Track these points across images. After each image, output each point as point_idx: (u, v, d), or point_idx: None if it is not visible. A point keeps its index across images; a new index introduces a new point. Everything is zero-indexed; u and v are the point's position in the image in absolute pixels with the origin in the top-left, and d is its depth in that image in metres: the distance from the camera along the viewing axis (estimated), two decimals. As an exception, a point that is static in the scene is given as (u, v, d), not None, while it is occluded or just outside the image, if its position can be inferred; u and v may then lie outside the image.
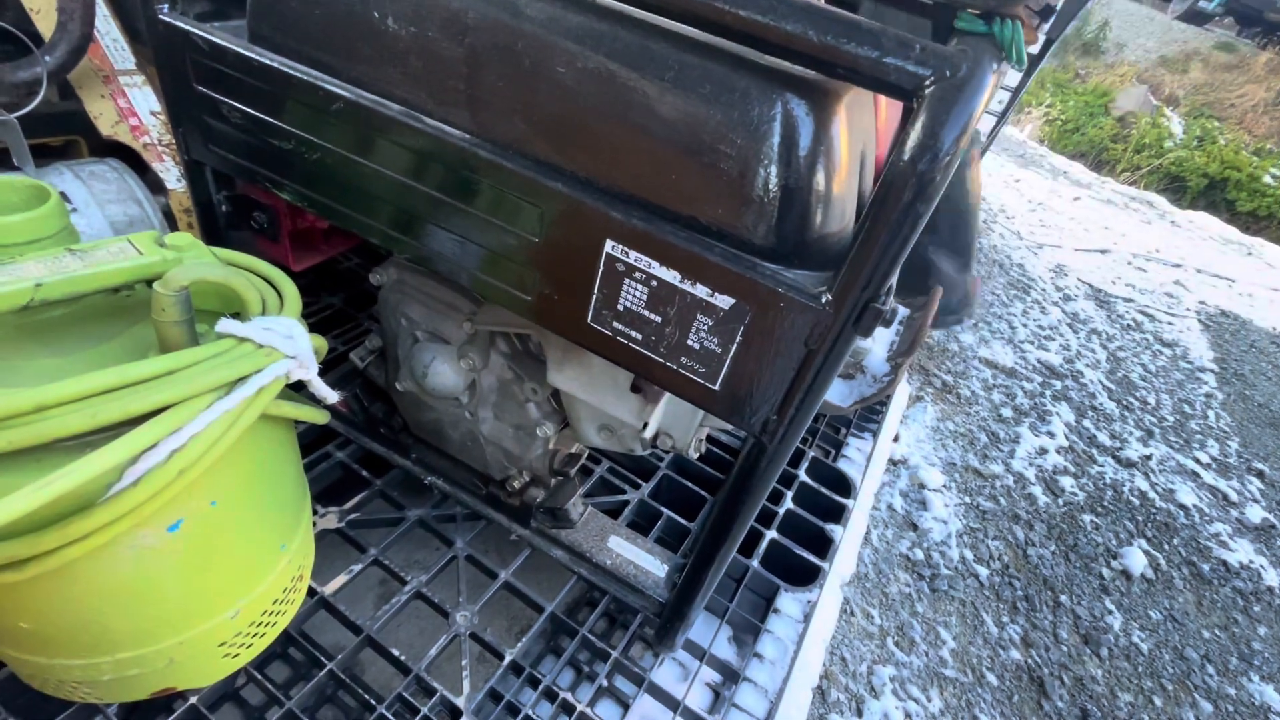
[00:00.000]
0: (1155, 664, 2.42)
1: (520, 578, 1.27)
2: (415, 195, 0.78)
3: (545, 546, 1.26)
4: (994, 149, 8.18)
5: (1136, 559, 2.80)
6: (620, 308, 0.73)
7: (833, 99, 0.64)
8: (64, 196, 1.17)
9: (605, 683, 1.16)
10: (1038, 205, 6.66)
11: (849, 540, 1.64)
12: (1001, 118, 5.34)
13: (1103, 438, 3.51)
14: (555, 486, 1.29)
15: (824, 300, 0.61)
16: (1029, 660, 2.31)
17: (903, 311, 2.43)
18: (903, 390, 2.39)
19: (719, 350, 0.69)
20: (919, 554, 2.60)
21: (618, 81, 0.66)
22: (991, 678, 2.21)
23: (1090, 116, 9.50)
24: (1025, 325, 4.34)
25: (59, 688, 0.86)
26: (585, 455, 1.31)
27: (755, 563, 1.40)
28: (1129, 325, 4.76)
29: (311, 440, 1.38)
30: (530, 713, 1.07)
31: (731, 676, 1.21)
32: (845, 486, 1.66)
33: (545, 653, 1.25)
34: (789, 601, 1.35)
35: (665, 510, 1.45)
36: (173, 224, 1.31)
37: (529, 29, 0.67)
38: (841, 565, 1.62)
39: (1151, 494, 3.23)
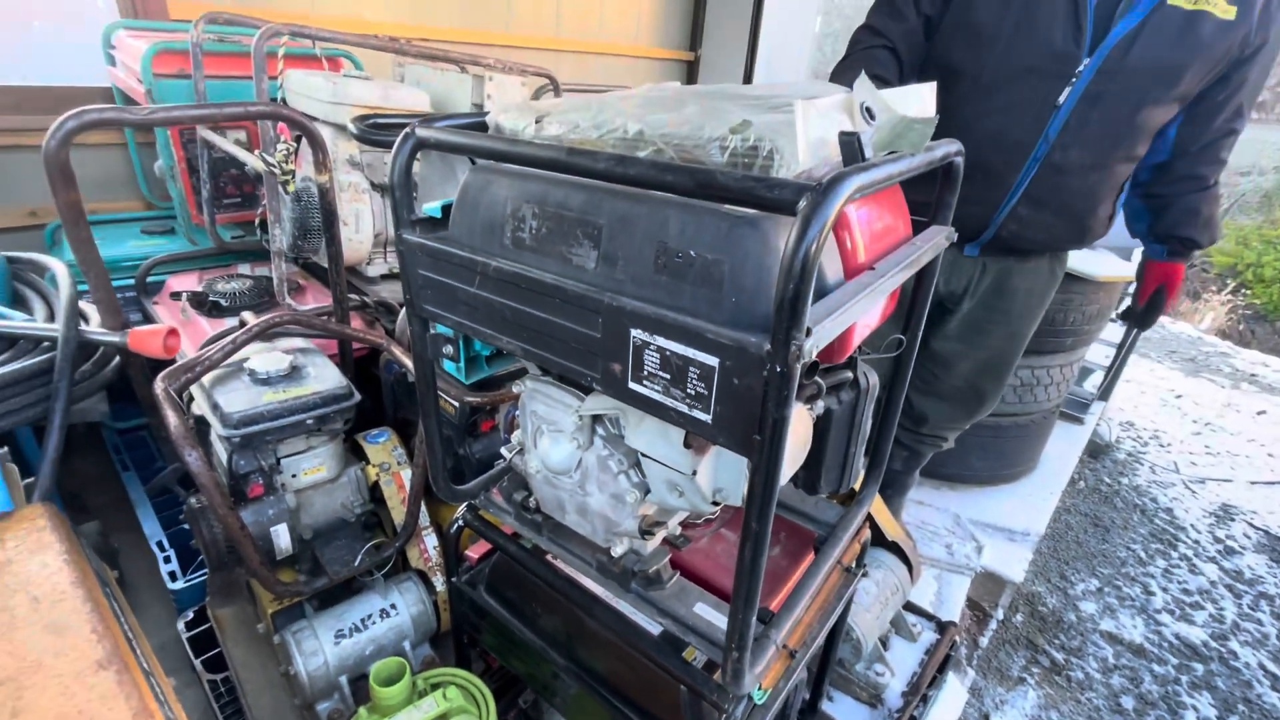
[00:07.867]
0: None
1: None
2: (536, 320, 1.23)
3: (646, 610, 1.49)
4: (1153, 354, 6.97)
5: None
6: (645, 370, 1.07)
7: (768, 224, 0.98)
8: (393, 609, 1.96)
9: None
10: (1205, 426, 5.43)
11: None
12: (1111, 371, 4.80)
13: (1260, 744, 2.74)
14: (649, 555, 1.55)
15: (765, 349, 0.91)
16: None
17: (930, 638, 2.70)
18: (958, 697, 2.42)
19: (705, 391, 0.99)
20: None
21: (636, 227, 1.07)
22: None
23: (1314, 286, 7.83)
24: (1166, 590, 3.61)
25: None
26: (669, 521, 1.56)
27: None
28: (1319, 590, 3.68)
29: (473, 521, 1.81)
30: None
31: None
32: None
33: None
34: None
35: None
36: (436, 611, 2.06)
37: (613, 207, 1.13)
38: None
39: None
